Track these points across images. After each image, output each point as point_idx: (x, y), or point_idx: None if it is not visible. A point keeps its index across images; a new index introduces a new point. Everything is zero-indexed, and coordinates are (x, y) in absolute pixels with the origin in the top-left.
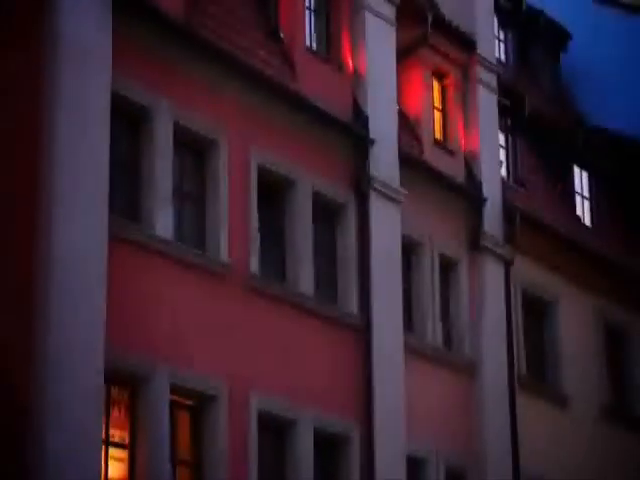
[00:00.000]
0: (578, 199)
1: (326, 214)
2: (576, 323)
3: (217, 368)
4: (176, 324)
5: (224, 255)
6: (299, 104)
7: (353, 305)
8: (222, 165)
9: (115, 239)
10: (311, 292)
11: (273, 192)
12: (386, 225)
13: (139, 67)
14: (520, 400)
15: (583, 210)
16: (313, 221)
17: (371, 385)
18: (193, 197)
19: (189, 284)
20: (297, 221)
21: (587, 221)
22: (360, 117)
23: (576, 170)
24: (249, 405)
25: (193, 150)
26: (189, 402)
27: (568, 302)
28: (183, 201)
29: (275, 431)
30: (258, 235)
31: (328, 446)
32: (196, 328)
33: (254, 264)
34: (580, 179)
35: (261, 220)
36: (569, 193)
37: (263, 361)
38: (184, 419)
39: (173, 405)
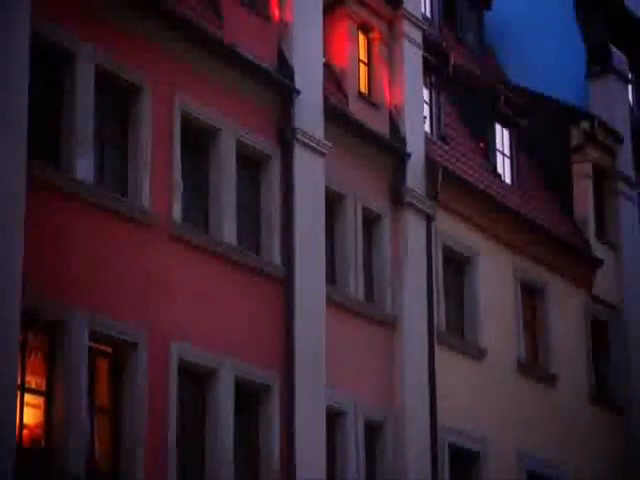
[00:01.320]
0: (499, 157)
1: (250, 164)
2: (495, 279)
3: (137, 316)
4: (96, 270)
5: (146, 202)
6: (225, 52)
7: (276, 256)
8: (145, 111)
9: (34, 182)
10: (234, 242)
11: (197, 141)
12: (310, 177)
13: (62, 11)
14: (439, 354)
15: (504, 168)
16: (237, 171)
17: (292, 336)
18: (116, 143)
19: (110, 230)
20: (221, 171)
21: (507, 179)
22: (285, 67)
23: (497, 128)
24: (169, 354)
25: (117, 96)
26: (108, 349)
27: (487, 258)
28: (105, 146)
29: (196, 380)
30: (181, 183)
31: (248, 396)
32: (116, 275)
33: (177, 212)
34: (501, 137)
35: (185, 168)
36: (490, 150)
37: (184, 310)
38: (103, 366)
39: (92, 352)
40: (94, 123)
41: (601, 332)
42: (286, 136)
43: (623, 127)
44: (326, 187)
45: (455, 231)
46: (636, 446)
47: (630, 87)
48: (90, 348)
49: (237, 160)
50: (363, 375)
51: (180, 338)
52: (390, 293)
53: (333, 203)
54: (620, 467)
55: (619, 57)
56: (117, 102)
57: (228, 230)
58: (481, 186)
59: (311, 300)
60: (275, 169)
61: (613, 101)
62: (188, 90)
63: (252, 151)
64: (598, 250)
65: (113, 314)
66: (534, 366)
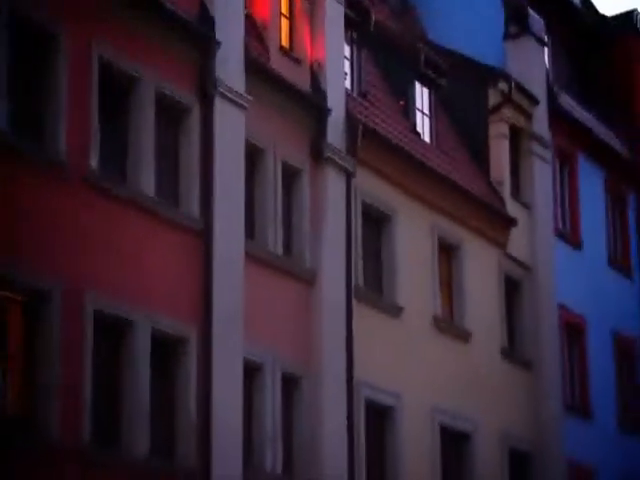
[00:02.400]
0: (418, 115)
1: (170, 115)
2: (412, 237)
3: (51, 265)
4: (7, 216)
5: (62, 150)
6: (145, 2)
7: (194, 209)
8: (62, 58)
9: None
10: (152, 193)
11: (116, 90)
12: (230, 130)
13: None
14: (356, 310)
15: (423, 126)
16: (156, 121)
17: (210, 289)
18: (32, 88)
19: (23, 175)
20: (140, 121)
21: (426, 137)
22: (206, 19)
23: (417, 86)
24: (84, 304)
25: (34, 42)
26: (20, 298)
27: (405, 216)
28: (20, 92)
29: (111, 332)
30: (99, 132)
31: (165, 348)
32: (29, 221)
33: (94, 161)
34: (421, 96)
35: (103, 117)
36: (410, 109)
37: (100, 260)
38: (16, 316)
39: (4, 301)
40: (9, 70)
41: (514, 290)
42: (206, 88)
43: (539, 89)
44: (246, 140)
45: (374, 188)
46: (544, 400)
47: (546, 50)
48: (2, 297)
49: (156, 111)
50: (281, 329)
51: (95, 289)
52: (309, 248)
53: (253, 157)
54: (529, 420)
55: (536, 19)
56: (34, 48)
57: (146, 181)
58: (400, 144)
59: (229, 254)
60: (195, 121)
61: (529, 63)
62: (107, 39)
63: (172, 102)
64: (513, 209)
65: (26, 262)
66: (449, 323)
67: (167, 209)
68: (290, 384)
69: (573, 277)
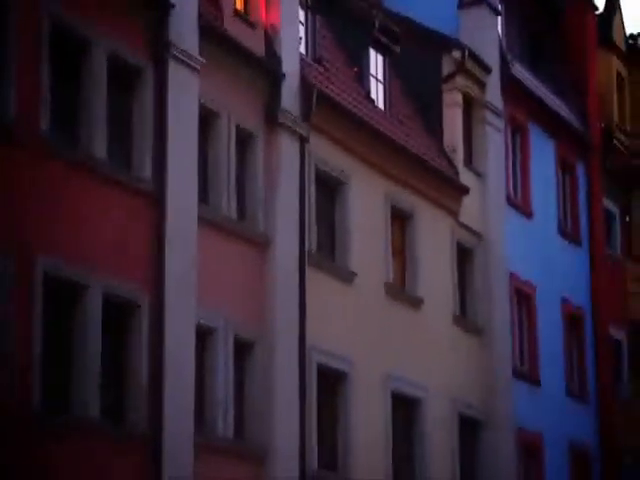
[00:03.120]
0: (373, 82)
1: (123, 77)
2: (366, 203)
3: (0, 228)
4: None
5: (12, 112)
6: None
7: (147, 172)
8: (11, 19)
9: None
10: (104, 156)
11: (68, 52)
12: (184, 93)
13: None
14: (310, 275)
15: (377, 93)
16: (108, 83)
17: (163, 253)
18: None
19: None
20: (92, 82)
21: (380, 104)
22: None
23: (372, 53)
24: (35, 269)
25: None
26: None
27: (359, 182)
28: None
29: (63, 296)
30: (49, 94)
31: (117, 312)
32: None
33: (44, 123)
34: (375, 62)
35: (54, 79)
36: (364, 75)
37: (52, 224)
38: None
39: None
40: None
41: (466, 258)
42: (160, 50)
43: (492, 58)
44: (200, 104)
45: (328, 154)
46: (494, 366)
47: (500, 19)
48: None
49: (109, 73)
50: (234, 294)
51: (46, 253)
52: (262, 213)
53: (207, 121)
54: (480, 386)
55: None
56: None
57: (98, 144)
58: (354, 110)
59: (182, 217)
60: (148, 83)
61: (483, 32)
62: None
63: (125, 64)
64: (466, 178)
65: None
66: (401, 289)
67: (119, 172)
68: (242, 349)
69: (524, 245)
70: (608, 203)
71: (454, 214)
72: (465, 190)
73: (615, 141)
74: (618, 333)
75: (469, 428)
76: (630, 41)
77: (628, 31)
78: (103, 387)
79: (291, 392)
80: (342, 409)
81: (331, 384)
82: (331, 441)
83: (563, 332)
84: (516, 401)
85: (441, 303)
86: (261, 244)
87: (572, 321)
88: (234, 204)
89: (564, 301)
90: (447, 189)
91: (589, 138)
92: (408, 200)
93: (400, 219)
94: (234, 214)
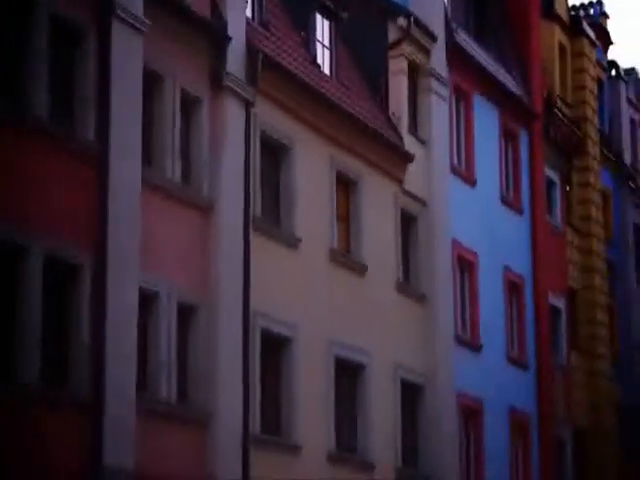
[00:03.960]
0: (319, 47)
1: (66, 37)
2: (311, 169)
3: None
4: None
5: None
6: None
7: (90, 134)
8: None
9: None
10: (46, 117)
11: (9, 12)
12: (128, 55)
13: None
14: (254, 240)
15: (323, 59)
16: (51, 43)
17: (106, 216)
18: None
19: None
20: (34, 41)
21: (326, 70)
22: None
23: (318, 18)
24: None
25: None
26: None
27: (304, 148)
28: None
29: (4, 258)
30: None
31: (59, 275)
32: None
33: None
34: (322, 28)
35: None
36: (310, 41)
37: None
38: None
39: None
40: None
41: (410, 225)
42: (103, 10)
43: (437, 26)
44: (144, 66)
45: (274, 119)
46: (436, 333)
47: None
48: None
49: (51, 32)
50: (178, 258)
51: None
52: (207, 177)
53: (151, 83)
54: (422, 353)
55: None
56: None
57: (40, 104)
58: (300, 75)
59: (126, 180)
60: (91, 43)
61: (429, 0)
62: None
63: (68, 24)
64: (410, 145)
65: None
66: (345, 256)
67: (62, 134)
68: (186, 313)
69: (467, 213)
70: (549, 172)
71: (398, 181)
72: (409, 157)
73: (556, 111)
74: (557, 301)
75: (411, 393)
76: (572, 12)
77: (570, 2)
78: (44, 349)
79: (235, 357)
80: (286, 374)
81: (275, 349)
82: (274, 406)
83: (504, 299)
84: (457, 367)
85: (385, 270)
86: (205, 208)
87: (513, 289)
88: (178, 168)
89: (505, 269)
90: (392, 156)
91: (532, 107)
92: (353, 166)
93: (345, 185)
94: (178, 178)
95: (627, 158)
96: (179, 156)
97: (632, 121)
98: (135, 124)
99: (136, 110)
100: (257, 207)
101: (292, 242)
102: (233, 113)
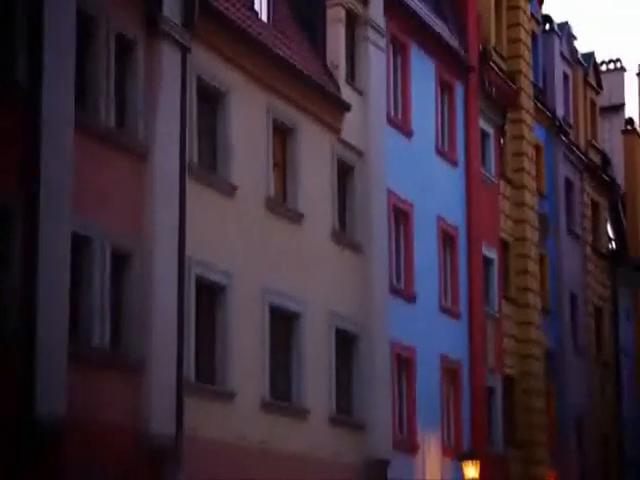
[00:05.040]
0: None
1: None
2: (248, 116)
3: None
4: None
5: None
6: None
7: (22, 76)
8: None
9: None
10: None
11: None
12: None
13: None
14: (190, 187)
15: (261, 5)
16: None
17: (38, 159)
18: None
19: None
20: None
21: (264, 16)
22: None
23: None
24: None
25: None
26: None
27: (241, 95)
28: None
29: None
30: None
31: None
32: None
33: None
34: None
35: None
36: None
37: None
38: None
39: None
40: None
41: (346, 175)
42: None
43: None
44: (78, 8)
45: (210, 65)
46: (371, 282)
47: None
48: None
49: None
50: (112, 204)
51: None
52: (142, 122)
53: (85, 26)
54: (357, 302)
55: None
56: None
57: None
58: (238, 21)
59: (59, 123)
60: None
61: None
62: None
63: None
64: (347, 95)
65: None
66: (282, 204)
67: None
68: (120, 259)
69: (402, 164)
70: (484, 125)
71: (335, 130)
72: (346, 107)
73: (492, 64)
74: (490, 252)
75: (345, 342)
76: None
77: None
78: None
79: (169, 304)
80: (221, 321)
81: (210, 296)
82: (209, 353)
83: (438, 250)
84: (391, 316)
85: (321, 219)
86: (140, 154)
87: (447, 239)
88: (113, 112)
89: (440, 220)
90: (329, 105)
91: (468, 60)
92: (290, 114)
93: (282, 133)
94: (113, 122)
95: (560, 112)
96: (114, 100)
97: (565, 75)
98: (68, 67)
99: (69, 53)
100: (193, 154)
101: (228, 190)
102: (169, 58)
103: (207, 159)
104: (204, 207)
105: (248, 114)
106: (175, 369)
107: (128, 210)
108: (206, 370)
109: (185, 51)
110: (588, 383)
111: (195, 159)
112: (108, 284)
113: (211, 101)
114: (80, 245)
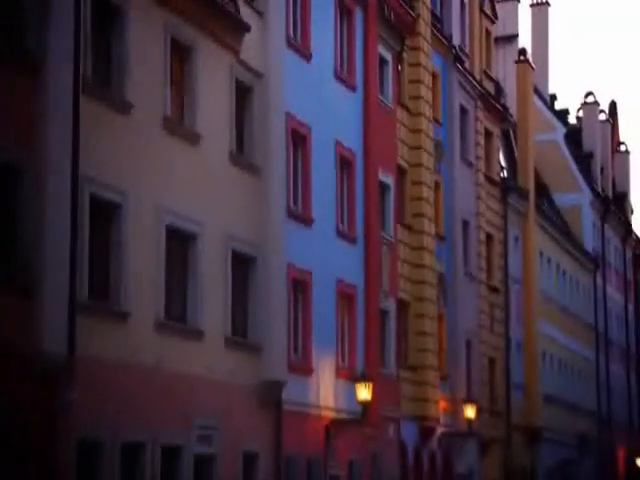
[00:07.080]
0: None
1: None
2: (144, 34)
3: None
4: None
5: None
6: None
7: None
8: None
9: None
10: None
11: None
12: None
13: None
14: (84, 105)
15: None
16: None
17: None
18: None
19: None
20: None
21: None
22: None
23: None
24: None
25: None
26: None
27: (138, 12)
28: None
29: None
30: None
31: None
32: None
33: None
34: None
35: None
36: None
37: None
38: None
39: None
40: None
41: (245, 96)
42: None
43: None
44: None
45: None
46: (268, 205)
47: None
48: None
49: None
50: (2, 119)
51: None
52: (35, 36)
53: None
54: (254, 224)
55: None
56: None
57: None
58: None
59: None
60: None
61: None
62: None
63: None
64: (247, 15)
65: None
66: (179, 124)
67: None
68: (9, 174)
69: (301, 87)
70: (382, 51)
71: (234, 51)
72: (246, 28)
73: None
74: (386, 178)
75: (242, 264)
76: None
77: None
78: None
79: (62, 222)
80: (115, 241)
81: (104, 215)
82: (103, 272)
83: (335, 174)
84: (288, 239)
85: (218, 140)
86: (32, 68)
87: (344, 164)
88: (0, 24)
89: (337, 144)
90: (228, 25)
91: None
92: (188, 33)
93: (180, 52)
94: (1, 34)
95: (456, 40)
96: (2, 12)
97: (462, 3)
98: None
99: None
100: (88, 70)
101: (124, 107)
102: None
103: (102, 76)
104: (99, 125)
105: (145, 31)
106: (68, 288)
107: (16, 124)
108: (100, 290)
109: None
110: (478, 308)
111: (89, 76)
112: None
113: (107, 17)
114: None
